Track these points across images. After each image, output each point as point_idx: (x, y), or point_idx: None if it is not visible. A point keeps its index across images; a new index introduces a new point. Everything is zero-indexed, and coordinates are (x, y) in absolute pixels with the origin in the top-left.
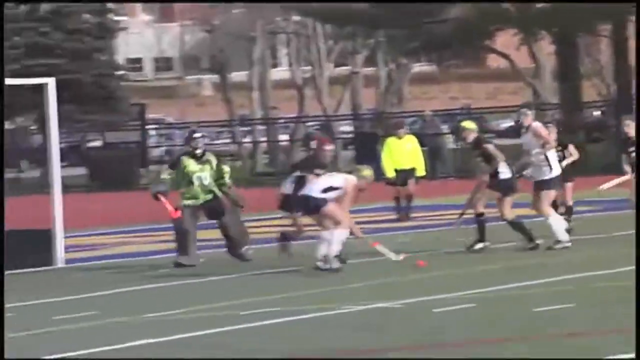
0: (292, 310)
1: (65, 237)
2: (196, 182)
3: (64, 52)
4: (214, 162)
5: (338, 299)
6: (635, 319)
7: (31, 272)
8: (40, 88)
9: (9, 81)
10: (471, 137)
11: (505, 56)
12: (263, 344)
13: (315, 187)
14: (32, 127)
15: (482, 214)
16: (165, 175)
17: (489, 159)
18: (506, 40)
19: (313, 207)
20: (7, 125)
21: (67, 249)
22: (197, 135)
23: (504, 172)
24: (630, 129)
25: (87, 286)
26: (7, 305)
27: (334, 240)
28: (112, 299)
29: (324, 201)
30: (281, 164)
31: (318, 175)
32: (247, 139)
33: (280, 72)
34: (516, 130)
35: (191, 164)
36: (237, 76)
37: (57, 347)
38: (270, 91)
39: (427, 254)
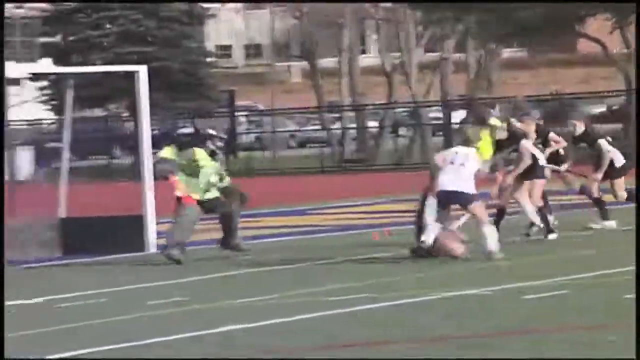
0: (384, 297)
1: (157, 223)
2: (203, 178)
3: (155, 39)
4: (219, 163)
5: (430, 286)
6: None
7: (124, 258)
8: (132, 75)
9: (101, 69)
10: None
11: (597, 41)
12: (354, 330)
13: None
14: (124, 114)
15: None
16: (168, 155)
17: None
18: (598, 25)
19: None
20: (100, 112)
21: (159, 234)
22: (213, 132)
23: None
24: (576, 128)
25: (178, 271)
26: (102, 290)
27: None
28: (203, 285)
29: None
30: (370, 151)
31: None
32: (336, 126)
33: (369, 59)
34: (609, 115)
35: (204, 158)
36: (326, 63)
37: (151, 331)
38: (359, 78)
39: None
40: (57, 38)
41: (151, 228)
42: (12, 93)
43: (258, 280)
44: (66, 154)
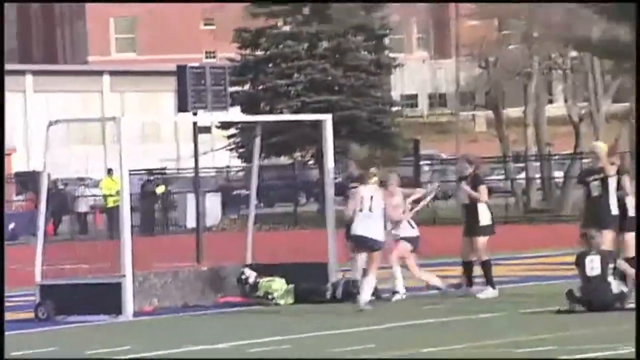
0: (569, 350)
1: (338, 270)
2: None
3: (342, 88)
4: None
5: (608, 340)
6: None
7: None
8: (319, 124)
9: (288, 117)
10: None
11: None
12: None
13: None
14: (309, 161)
15: None
16: None
17: None
18: None
19: None
20: (287, 159)
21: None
22: None
23: None
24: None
25: (366, 318)
26: (286, 337)
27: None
28: (393, 332)
29: None
30: (555, 201)
31: None
32: (521, 176)
33: (556, 108)
34: None
35: None
36: (512, 112)
37: None
38: (545, 127)
39: None
40: (246, 87)
41: (333, 275)
42: (202, 141)
43: (445, 329)
44: (253, 201)
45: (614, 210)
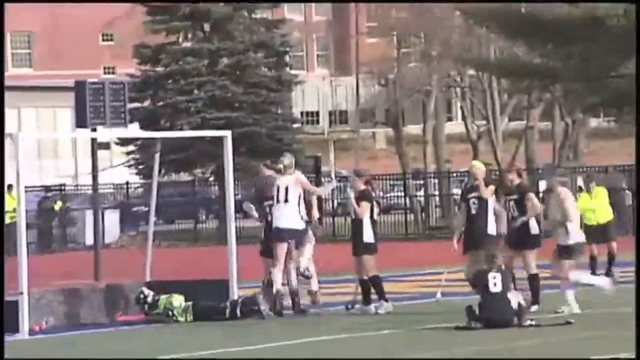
0: None
1: (239, 288)
2: None
3: (242, 105)
4: None
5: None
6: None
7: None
8: (219, 140)
9: (189, 133)
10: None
11: None
12: None
13: None
14: (210, 178)
15: None
16: None
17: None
18: None
19: None
20: (186, 176)
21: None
22: None
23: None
24: None
25: (256, 337)
26: (187, 355)
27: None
28: (288, 349)
29: None
30: (454, 217)
31: None
32: (420, 192)
33: (455, 126)
34: None
35: None
36: (411, 129)
37: None
38: (444, 144)
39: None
40: (146, 103)
41: (234, 292)
42: (101, 157)
43: (340, 346)
44: (152, 218)
45: (491, 230)
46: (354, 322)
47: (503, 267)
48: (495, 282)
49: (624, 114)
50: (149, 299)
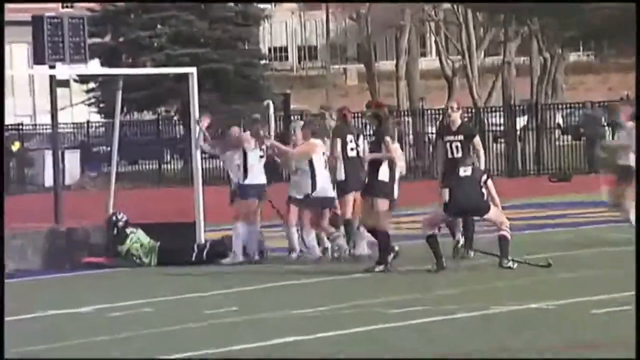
0: (441, 310)
1: (206, 231)
2: None
3: (207, 40)
4: None
5: (486, 299)
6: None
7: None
8: (183, 77)
9: (153, 70)
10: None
11: None
12: (415, 343)
13: None
14: (174, 117)
15: None
16: None
17: None
18: None
19: None
20: (150, 115)
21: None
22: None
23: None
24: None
25: (233, 281)
26: (154, 299)
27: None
28: (256, 294)
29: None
30: (428, 157)
31: None
32: None
33: (429, 62)
34: None
35: None
36: (384, 65)
37: (205, 342)
38: (418, 81)
39: (588, 251)
40: (107, 39)
41: (201, 235)
42: (60, 95)
43: (314, 290)
44: (115, 158)
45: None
46: (326, 264)
47: None
48: (465, 171)
49: (603, 47)
50: (120, 224)
